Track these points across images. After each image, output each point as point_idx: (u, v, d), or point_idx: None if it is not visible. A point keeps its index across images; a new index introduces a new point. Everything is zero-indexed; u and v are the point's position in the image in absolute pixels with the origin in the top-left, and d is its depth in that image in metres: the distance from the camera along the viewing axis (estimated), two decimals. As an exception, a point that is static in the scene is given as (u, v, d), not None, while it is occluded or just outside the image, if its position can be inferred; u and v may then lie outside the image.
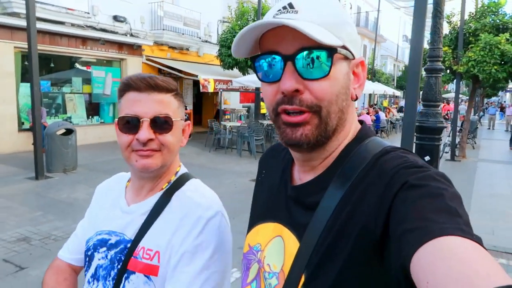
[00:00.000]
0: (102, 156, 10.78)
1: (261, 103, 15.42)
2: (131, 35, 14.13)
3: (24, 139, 11.15)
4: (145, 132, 1.02)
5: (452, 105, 32.24)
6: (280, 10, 0.73)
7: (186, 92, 17.44)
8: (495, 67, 11.02)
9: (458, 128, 12.99)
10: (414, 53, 4.34)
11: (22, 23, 10.62)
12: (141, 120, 1.03)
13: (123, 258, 1.06)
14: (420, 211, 0.58)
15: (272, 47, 0.73)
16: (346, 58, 0.74)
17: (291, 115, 0.73)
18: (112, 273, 1.07)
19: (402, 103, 33.51)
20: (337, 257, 0.68)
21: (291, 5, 0.72)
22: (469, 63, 11.21)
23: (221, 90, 14.46)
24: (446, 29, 13.09)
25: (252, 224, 0.94)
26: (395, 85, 34.36)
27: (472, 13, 12.19)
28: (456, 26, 12.41)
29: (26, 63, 11.58)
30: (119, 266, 1.06)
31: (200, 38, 16.81)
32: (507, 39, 10.99)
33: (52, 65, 12.53)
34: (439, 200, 0.59)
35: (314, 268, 0.71)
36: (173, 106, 1.08)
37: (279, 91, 0.73)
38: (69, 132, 8.97)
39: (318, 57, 0.70)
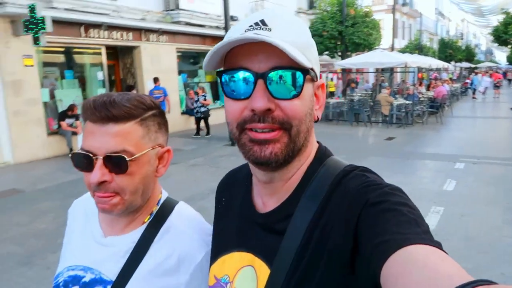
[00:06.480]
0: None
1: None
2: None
3: (184, 120, 14.29)
4: (97, 173, 0.86)
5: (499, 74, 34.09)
6: (252, 26, 0.70)
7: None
8: None
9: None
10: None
11: (182, 28, 13.55)
12: (94, 158, 0.87)
13: None
14: (384, 225, 0.62)
15: (242, 64, 0.70)
16: (312, 79, 0.74)
17: (259, 132, 0.71)
18: None
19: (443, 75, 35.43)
20: (312, 280, 0.69)
21: (263, 22, 0.70)
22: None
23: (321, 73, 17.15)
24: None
25: (215, 255, 0.89)
26: (437, 58, 36.29)
27: None
28: None
29: (177, 60, 14.54)
30: None
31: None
32: None
33: (191, 60, 15.51)
34: (399, 213, 0.63)
35: None
36: (135, 137, 0.89)
37: (248, 108, 0.70)
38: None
39: (291, 77, 0.68)
